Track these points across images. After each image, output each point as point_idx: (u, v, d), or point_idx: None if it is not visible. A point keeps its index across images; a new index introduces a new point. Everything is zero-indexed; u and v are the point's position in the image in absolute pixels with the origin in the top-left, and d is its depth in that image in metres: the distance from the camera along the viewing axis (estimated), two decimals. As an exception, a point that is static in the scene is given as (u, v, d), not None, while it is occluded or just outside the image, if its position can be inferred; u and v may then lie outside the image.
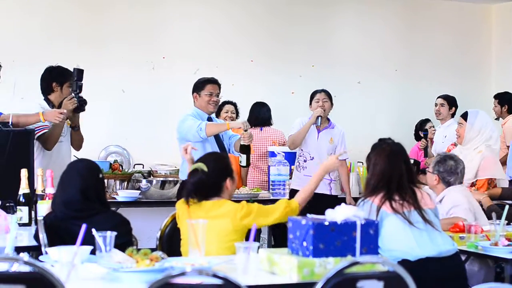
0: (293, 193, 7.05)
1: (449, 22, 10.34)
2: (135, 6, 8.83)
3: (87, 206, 3.98)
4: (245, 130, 6.07)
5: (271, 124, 8.22)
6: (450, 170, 5.39)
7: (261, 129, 7.98)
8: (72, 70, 6.11)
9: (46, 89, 6.19)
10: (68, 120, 6.16)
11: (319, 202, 6.61)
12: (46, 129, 5.98)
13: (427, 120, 8.95)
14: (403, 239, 4.12)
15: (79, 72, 5.99)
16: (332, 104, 7.15)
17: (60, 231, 3.91)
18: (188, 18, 9.05)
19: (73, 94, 6.00)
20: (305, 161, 7.00)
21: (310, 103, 7.16)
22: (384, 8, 10.00)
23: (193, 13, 9.07)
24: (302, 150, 7.06)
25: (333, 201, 6.58)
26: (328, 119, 7.16)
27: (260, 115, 8.05)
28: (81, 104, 6.02)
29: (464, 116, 6.48)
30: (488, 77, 10.49)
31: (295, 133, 7.03)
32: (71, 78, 6.03)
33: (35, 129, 5.93)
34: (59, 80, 6.16)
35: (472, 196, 5.55)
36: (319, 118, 6.94)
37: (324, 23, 9.69)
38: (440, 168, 5.42)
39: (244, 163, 6.21)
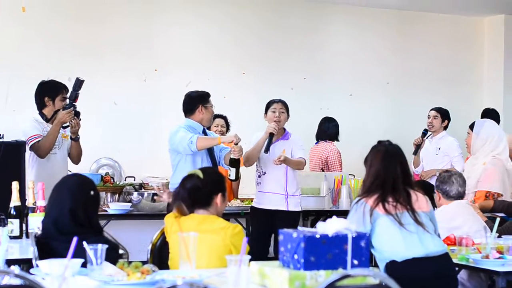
0: (251, 210, 6.72)
1: (441, 35, 10.38)
2: (128, 19, 8.84)
3: (75, 229, 3.74)
4: (236, 144, 6.00)
5: (338, 140, 8.35)
6: (444, 179, 5.48)
7: (316, 143, 7.94)
8: (63, 82, 6.28)
9: (39, 104, 6.25)
10: (65, 132, 6.20)
11: (275, 219, 6.38)
12: (39, 138, 6.07)
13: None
14: (391, 240, 4.17)
15: (81, 83, 6.04)
16: (288, 115, 6.57)
17: (48, 249, 3.78)
18: (180, 31, 9.06)
19: (68, 102, 6.04)
20: (259, 176, 6.52)
21: (266, 112, 6.57)
22: (376, 20, 10.03)
23: (185, 25, 9.08)
24: (257, 165, 6.55)
25: (290, 217, 6.40)
26: (284, 129, 6.56)
27: (328, 130, 7.99)
28: (77, 115, 6.07)
29: (472, 126, 6.60)
30: (480, 89, 10.52)
31: (249, 150, 6.44)
32: (73, 87, 6.07)
33: (29, 138, 6.00)
34: (51, 95, 6.23)
35: (473, 212, 5.52)
36: (272, 135, 6.34)
37: (317, 36, 9.72)
38: (437, 182, 5.55)
39: (233, 177, 6.14)
